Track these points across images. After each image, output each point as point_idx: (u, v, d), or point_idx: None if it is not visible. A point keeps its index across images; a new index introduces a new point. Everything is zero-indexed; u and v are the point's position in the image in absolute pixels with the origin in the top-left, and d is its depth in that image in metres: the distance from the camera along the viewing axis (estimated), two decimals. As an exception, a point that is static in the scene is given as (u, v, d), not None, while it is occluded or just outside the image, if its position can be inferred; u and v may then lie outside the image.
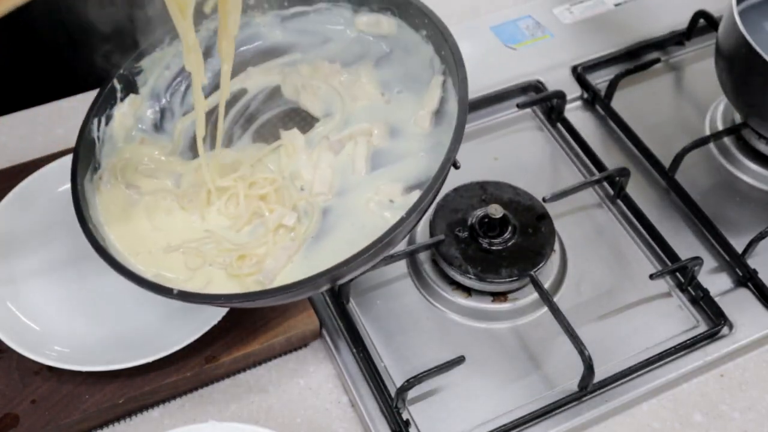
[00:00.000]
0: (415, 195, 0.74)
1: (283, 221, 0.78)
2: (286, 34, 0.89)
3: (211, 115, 0.86)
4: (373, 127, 0.82)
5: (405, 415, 0.80)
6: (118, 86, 0.85)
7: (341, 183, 0.81)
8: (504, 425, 0.79)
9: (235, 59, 0.83)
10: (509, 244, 0.88)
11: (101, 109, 0.84)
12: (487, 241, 0.88)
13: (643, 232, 0.95)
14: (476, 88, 1.04)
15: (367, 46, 0.86)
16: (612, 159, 1.02)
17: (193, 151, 0.85)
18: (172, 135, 0.87)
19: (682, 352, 0.85)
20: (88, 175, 0.82)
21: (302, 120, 0.86)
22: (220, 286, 0.77)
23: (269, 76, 0.88)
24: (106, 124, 0.85)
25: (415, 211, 0.70)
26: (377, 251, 0.70)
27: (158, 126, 0.87)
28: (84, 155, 0.82)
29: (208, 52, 0.88)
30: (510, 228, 0.89)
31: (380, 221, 0.76)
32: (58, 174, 0.93)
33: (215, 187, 0.82)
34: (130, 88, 0.86)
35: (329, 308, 0.87)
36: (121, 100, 0.86)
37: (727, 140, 1.03)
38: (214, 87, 0.87)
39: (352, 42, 0.86)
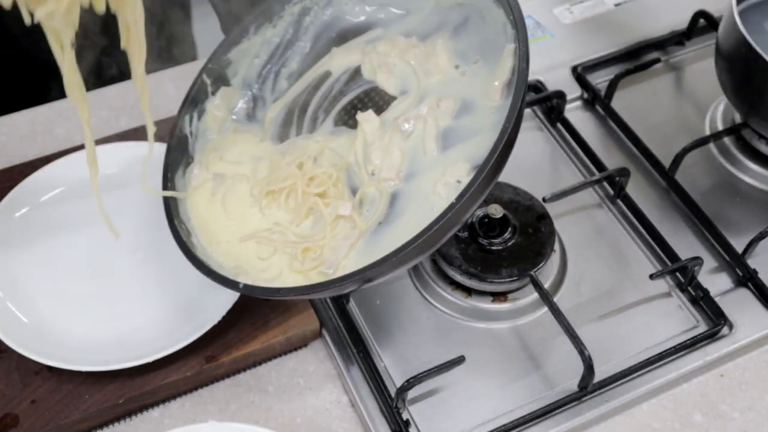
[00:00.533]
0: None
1: (338, 212, 0.77)
2: (368, 10, 0.87)
3: (298, 100, 0.86)
4: (441, 102, 0.79)
5: (405, 415, 0.80)
6: (207, 80, 0.86)
7: (412, 166, 0.78)
8: (504, 425, 0.79)
9: (321, 41, 0.85)
10: (509, 244, 0.88)
11: (192, 104, 0.85)
12: (487, 241, 0.88)
13: (643, 232, 0.95)
14: (476, 88, 1.04)
15: (445, 15, 0.83)
16: (612, 159, 1.02)
17: (281, 138, 0.86)
18: (263, 123, 0.87)
19: (682, 352, 0.85)
20: (180, 171, 0.83)
21: (381, 99, 0.84)
22: (289, 279, 0.76)
23: (351, 56, 0.86)
24: (199, 119, 0.86)
25: (465, 196, 0.67)
26: (434, 235, 0.68)
27: (251, 115, 0.87)
28: (176, 152, 0.83)
29: (295, 38, 0.88)
30: (510, 228, 0.89)
31: (446, 204, 0.70)
32: (59, 174, 0.93)
33: (277, 187, 0.81)
34: (221, 80, 0.87)
35: (329, 308, 0.87)
36: (213, 93, 0.86)
37: (727, 140, 1.03)
38: (300, 73, 0.87)
39: (431, 12, 0.84)
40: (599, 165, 1.00)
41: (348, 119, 0.84)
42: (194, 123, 0.86)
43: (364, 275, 0.69)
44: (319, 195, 0.80)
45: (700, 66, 1.12)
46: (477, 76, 0.80)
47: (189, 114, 0.85)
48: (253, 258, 0.79)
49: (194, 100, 0.86)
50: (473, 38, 0.81)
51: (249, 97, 0.88)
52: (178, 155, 0.84)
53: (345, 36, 0.87)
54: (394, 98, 0.83)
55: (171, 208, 0.81)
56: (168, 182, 0.82)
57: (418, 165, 0.78)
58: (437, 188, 0.75)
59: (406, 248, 0.68)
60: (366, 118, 0.82)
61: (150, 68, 1.07)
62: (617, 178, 0.96)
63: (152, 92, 1.09)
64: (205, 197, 0.83)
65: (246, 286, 0.74)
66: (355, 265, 0.72)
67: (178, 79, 1.10)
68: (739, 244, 0.92)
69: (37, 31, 0.69)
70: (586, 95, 1.08)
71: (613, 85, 1.05)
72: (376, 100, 0.84)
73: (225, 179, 0.83)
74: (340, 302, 0.87)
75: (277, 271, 0.77)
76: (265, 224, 0.81)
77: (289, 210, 0.81)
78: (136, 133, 0.99)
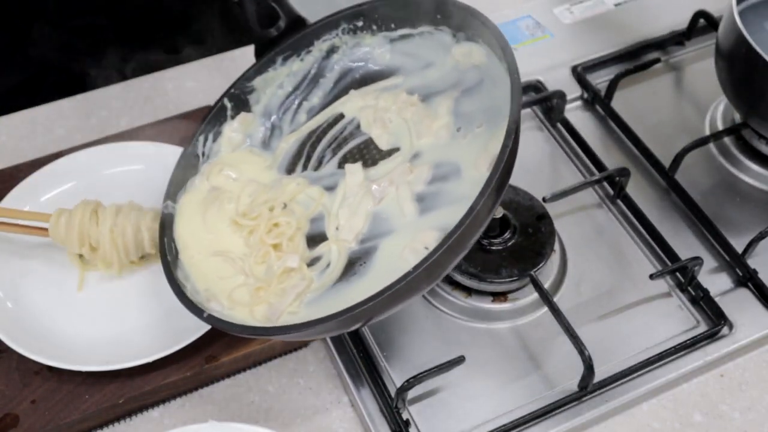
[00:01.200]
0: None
1: (287, 264, 0.78)
2: (393, 56, 0.87)
3: (311, 136, 0.87)
4: (415, 168, 0.80)
5: (405, 415, 0.80)
6: (228, 104, 0.87)
7: (386, 225, 0.78)
8: (504, 425, 0.79)
9: (344, 80, 0.86)
10: (509, 244, 0.88)
11: (210, 125, 0.86)
12: (487, 241, 0.88)
13: (643, 232, 0.95)
14: (476, 88, 1.04)
15: (462, 74, 0.83)
16: (612, 159, 1.02)
17: (288, 170, 0.86)
18: (275, 152, 0.87)
19: (682, 352, 0.85)
20: (183, 188, 0.84)
21: (379, 153, 0.84)
22: (244, 311, 0.77)
23: (365, 101, 0.87)
24: (214, 140, 0.86)
25: (420, 268, 0.65)
26: (379, 304, 0.66)
27: (266, 143, 0.88)
28: (184, 169, 0.84)
29: (319, 74, 0.88)
30: (510, 228, 0.89)
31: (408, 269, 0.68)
32: (59, 174, 0.93)
33: (243, 222, 0.82)
34: (242, 106, 0.87)
35: (329, 308, 0.87)
36: (232, 117, 0.87)
37: (727, 140, 1.03)
38: (320, 108, 0.88)
39: (451, 69, 0.84)
40: (599, 165, 1.00)
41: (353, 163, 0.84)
42: (208, 144, 0.86)
43: (301, 331, 0.69)
44: (274, 246, 0.80)
45: (700, 66, 1.12)
46: (476, 141, 0.79)
47: (205, 134, 0.86)
48: (218, 278, 0.79)
49: (212, 122, 0.86)
50: (483, 102, 0.81)
51: (267, 125, 0.88)
52: (185, 172, 0.85)
53: (366, 79, 0.88)
54: (389, 153, 0.83)
55: (165, 225, 0.82)
56: (169, 197, 0.83)
57: (394, 225, 0.78)
58: (404, 253, 0.74)
59: (343, 314, 0.67)
60: (352, 170, 0.82)
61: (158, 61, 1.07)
62: (617, 178, 0.96)
63: (152, 92, 1.10)
64: (192, 207, 0.83)
65: (210, 316, 0.73)
66: (302, 317, 0.72)
67: (177, 80, 1.10)
68: (739, 244, 0.92)
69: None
70: (586, 95, 1.08)
71: (613, 85, 1.05)
72: (374, 153, 0.84)
73: (218, 193, 0.84)
74: (340, 302, 0.87)
75: (239, 298, 0.78)
76: (237, 249, 0.81)
77: (250, 247, 0.81)
78: (137, 133, 0.99)
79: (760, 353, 0.88)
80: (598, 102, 1.07)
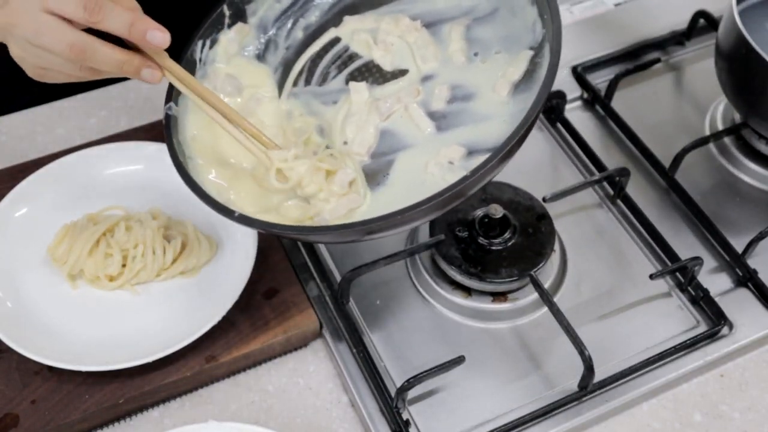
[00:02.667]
0: (478, 159, 0.72)
1: (348, 179, 0.78)
2: None
3: (312, 60, 0.87)
4: (421, 90, 0.81)
5: (405, 415, 0.80)
6: (227, 12, 0.85)
7: (398, 142, 0.80)
8: (504, 425, 0.79)
9: (342, 2, 0.87)
10: (509, 244, 0.88)
11: (207, 32, 0.85)
12: (487, 241, 0.88)
13: (643, 232, 0.95)
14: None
15: (475, 2, 0.84)
16: (612, 159, 1.02)
17: (281, 85, 0.87)
18: (272, 65, 0.87)
19: (682, 352, 0.85)
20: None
21: (386, 74, 0.85)
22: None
23: (364, 25, 0.87)
24: (210, 47, 0.85)
25: (478, 173, 0.68)
26: (441, 202, 0.69)
27: (261, 56, 0.88)
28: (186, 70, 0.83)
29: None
30: (510, 228, 0.89)
31: (441, 182, 0.74)
32: (59, 174, 0.93)
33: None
34: (239, 16, 0.86)
35: (329, 308, 0.87)
36: (229, 26, 0.86)
37: (727, 140, 1.03)
38: (314, 27, 0.88)
39: None
40: (599, 165, 1.00)
41: (361, 80, 0.85)
42: (205, 50, 0.85)
43: (367, 227, 0.71)
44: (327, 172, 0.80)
45: (700, 66, 1.12)
46: (494, 66, 0.81)
47: (203, 40, 0.85)
48: (250, 191, 0.79)
49: (210, 28, 0.85)
50: (498, 31, 0.82)
51: (263, 38, 0.88)
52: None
53: (365, 3, 0.88)
54: (395, 75, 0.84)
55: (171, 127, 0.80)
56: (172, 99, 0.81)
57: (410, 140, 0.79)
58: (429, 167, 0.76)
59: (412, 209, 0.68)
60: (357, 88, 0.83)
61: None
62: (617, 178, 0.96)
63: (152, 92, 1.09)
64: (203, 119, 0.82)
65: (241, 215, 0.73)
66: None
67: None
68: (739, 244, 0.92)
69: None
70: (586, 95, 1.08)
71: (613, 85, 1.05)
72: (381, 73, 0.85)
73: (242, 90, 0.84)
74: (340, 302, 0.87)
75: (287, 213, 0.78)
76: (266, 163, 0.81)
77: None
78: (136, 133, 0.99)
79: (760, 353, 0.88)
80: (598, 102, 1.07)
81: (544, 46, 0.78)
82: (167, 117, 0.80)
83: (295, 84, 0.86)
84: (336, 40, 0.87)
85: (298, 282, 0.88)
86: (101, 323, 0.84)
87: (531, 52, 0.79)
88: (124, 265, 0.87)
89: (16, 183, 0.92)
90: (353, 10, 0.88)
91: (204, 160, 0.81)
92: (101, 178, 0.94)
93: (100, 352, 0.81)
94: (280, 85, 0.87)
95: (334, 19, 0.88)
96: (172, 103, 0.81)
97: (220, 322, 0.82)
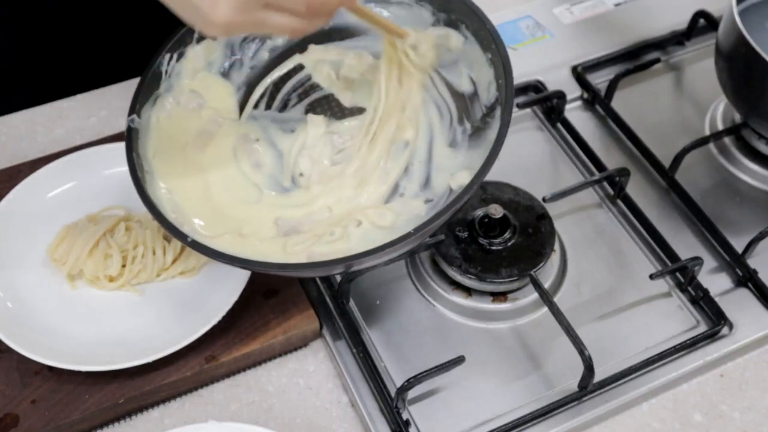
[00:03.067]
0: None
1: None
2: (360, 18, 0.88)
3: (275, 85, 0.89)
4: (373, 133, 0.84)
5: (405, 415, 0.80)
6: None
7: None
8: (504, 425, 0.79)
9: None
10: (509, 244, 0.88)
11: (175, 45, 0.85)
12: (487, 241, 0.88)
13: (643, 232, 0.95)
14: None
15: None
16: (612, 159, 1.02)
17: (242, 105, 0.88)
18: (235, 83, 0.88)
19: (682, 352, 0.85)
20: (149, 104, 0.84)
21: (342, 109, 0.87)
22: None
23: (327, 55, 0.88)
24: (177, 60, 0.86)
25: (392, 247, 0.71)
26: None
27: (225, 74, 0.88)
28: (148, 85, 0.84)
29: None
30: (510, 228, 0.89)
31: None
32: (59, 174, 0.93)
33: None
34: None
35: (329, 308, 0.87)
36: (197, 41, 0.86)
37: (727, 140, 1.03)
38: (280, 50, 0.89)
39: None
40: (599, 165, 1.00)
41: (320, 112, 0.87)
42: (172, 63, 0.85)
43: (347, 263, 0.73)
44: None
45: (700, 66, 1.12)
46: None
47: (171, 53, 0.85)
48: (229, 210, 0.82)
49: (178, 42, 0.85)
50: (455, 81, 0.85)
51: (229, 55, 0.89)
52: (149, 89, 0.84)
53: (332, 33, 0.88)
54: (361, 110, 0.86)
55: (132, 139, 0.81)
56: (135, 112, 0.82)
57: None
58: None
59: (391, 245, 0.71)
60: (315, 121, 0.86)
61: None
62: (617, 178, 0.96)
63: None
64: (176, 137, 0.84)
65: (193, 241, 0.74)
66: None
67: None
68: (739, 244, 0.92)
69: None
70: (586, 95, 1.08)
71: (613, 85, 1.05)
72: (342, 108, 0.87)
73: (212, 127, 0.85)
74: (340, 302, 0.87)
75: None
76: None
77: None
78: (136, 133, 0.99)
79: (760, 353, 0.88)
80: (598, 102, 1.07)
81: (495, 108, 0.80)
82: (129, 129, 0.81)
83: (255, 106, 0.88)
84: (299, 67, 0.88)
85: (298, 282, 0.88)
86: (101, 323, 0.84)
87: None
88: (123, 266, 0.87)
89: (16, 183, 0.92)
90: (319, 38, 0.88)
91: (163, 179, 0.82)
92: (101, 178, 0.94)
93: (100, 352, 0.81)
94: (241, 105, 0.88)
95: (300, 44, 0.88)
96: (135, 116, 0.82)
97: (220, 322, 0.82)
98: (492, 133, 0.77)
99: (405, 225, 0.77)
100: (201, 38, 0.86)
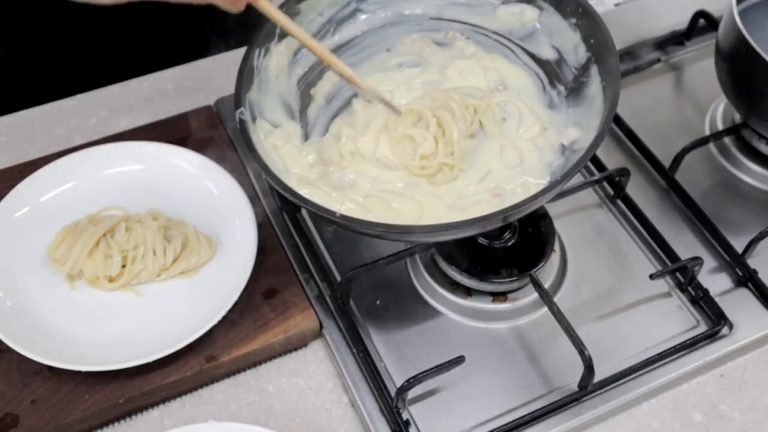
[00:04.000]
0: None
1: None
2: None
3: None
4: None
5: (405, 415, 0.80)
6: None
7: None
8: (504, 425, 0.79)
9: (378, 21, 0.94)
10: (509, 244, 0.88)
11: (263, 41, 0.87)
12: (486, 241, 0.88)
13: (643, 232, 0.95)
14: (476, 88, 1.04)
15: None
16: (612, 159, 1.02)
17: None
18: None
19: (682, 352, 0.85)
20: (250, 91, 0.85)
21: None
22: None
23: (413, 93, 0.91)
24: (264, 55, 0.87)
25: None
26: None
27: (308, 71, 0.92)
28: (246, 77, 0.85)
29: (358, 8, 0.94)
30: (510, 228, 0.89)
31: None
32: (59, 174, 0.93)
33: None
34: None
35: (329, 308, 0.87)
36: (279, 39, 0.88)
37: (727, 140, 1.03)
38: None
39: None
40: (599, 165, 1.00)
41: None
42: (260, 58, 0.87)
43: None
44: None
45: (700, 66, 1.12)
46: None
47: (259, 48, 0.87)
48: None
49: (264, 39, 0.87)
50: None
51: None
52: (247, 80, 0.85)
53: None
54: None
55: (243, 132, 0.81)
56: (240, 102, 0.83)
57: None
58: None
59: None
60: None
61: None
62: (617, 178, 0.96)
63: (152, 92, 1.10)
64: None
65: (342, 216, 0.75)
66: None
67: (177, 80, 1.10)
68: (739, 244, 0.92)
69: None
70: (586, 95, 1.08)
71: (613, 85, 1.05)
72: None
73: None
74: (340, 302, 0.87)
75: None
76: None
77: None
78: (137, 133, 0.99)
79: (760, 353, 0.88)
80: (598, 102, 1.07)
81: (588, 67, 0.85)
82: (241, 122, 0.82)
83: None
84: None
85: (298, 282, 0.88)
86: (101, 323, 0.84)
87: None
88: (123, 266, 0.87)
89: (16, 183, 0.92)
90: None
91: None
92: (101, 178, 0.94)
93: (100, 352, 0.81)
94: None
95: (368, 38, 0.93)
96: (242, 108, 0.83)
97: (220, 322, 0.82)
98: (591, 90, 0.85)
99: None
100: (282, 36, 0.88)
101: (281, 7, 0.87)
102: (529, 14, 0.90)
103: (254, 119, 0.85)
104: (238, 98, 0.83)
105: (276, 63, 0.89)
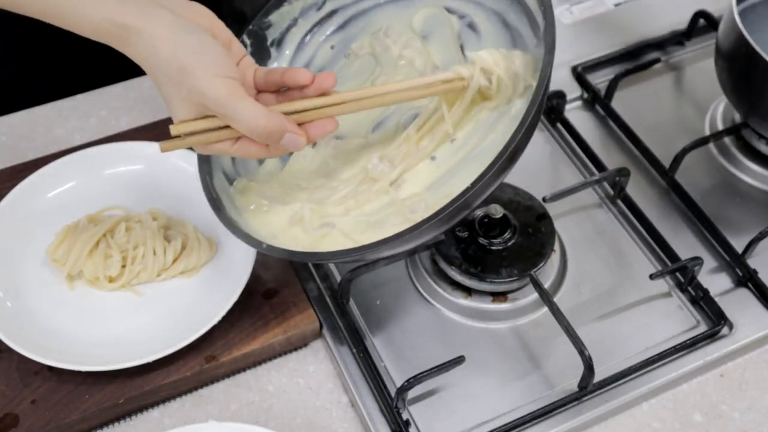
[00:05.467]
0: None
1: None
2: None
3: None
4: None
5: (405, 415, 0.80)
6: (247, 41, 0.86)
7: None
8: (504, 425, 0.79)
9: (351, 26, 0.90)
10: (509, 244, 0.88)
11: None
12: (487, 241, 0.88)
13: (643, 232, 0.95)
14: (476, 88, 1.04)
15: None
16: (612, 159, 1.02)
17: None
18: None
19: (682, 352, 0.85)
20: None
21: None
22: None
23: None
24: None
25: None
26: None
27: None
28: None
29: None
30: (510, 228, 0.89)
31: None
32: (59, 174, 0.93)
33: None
34: (261, 42, 0.87)
35: (329, 308, 0.87)
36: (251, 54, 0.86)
37: (727, 140, 1.03)
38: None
39: None
40: (599, 165, 1.00)
41: None
42: None
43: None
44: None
45: (700, 66, 1.12)
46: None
47: None
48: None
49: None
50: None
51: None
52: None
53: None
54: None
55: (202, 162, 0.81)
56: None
57: None
58: None
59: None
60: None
61: None
62: (617, 178, 0.96)
63: (152, 92, 1.09)
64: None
65: (269, 246, 0.75)
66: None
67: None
68: (739, 244, 0.92)
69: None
70: (586, 95, 1.08)
71: (613, 85, 1.05)
72: None
73: None
74: (340, 302, 0.87)
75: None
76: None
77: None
78: (137, 133, 0.99)
79: (760, 353, 0.88)
80: (598, 102, 1.07)
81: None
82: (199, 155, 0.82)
83: None
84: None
85: (298, 282, 0.88)
86: (101, 323, 0.84)
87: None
88: (123, 266, 0.87)
89: (16, 183, 0.92)
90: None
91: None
92: (101, 178, 0.94)
93: (100, 352, 0.81)
94: None
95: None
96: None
97: (220, 322, 0.82)
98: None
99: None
100: (254, 51, 0.86)
101: (250, 25, 0.86)
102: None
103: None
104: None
105: None
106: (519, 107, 0.78)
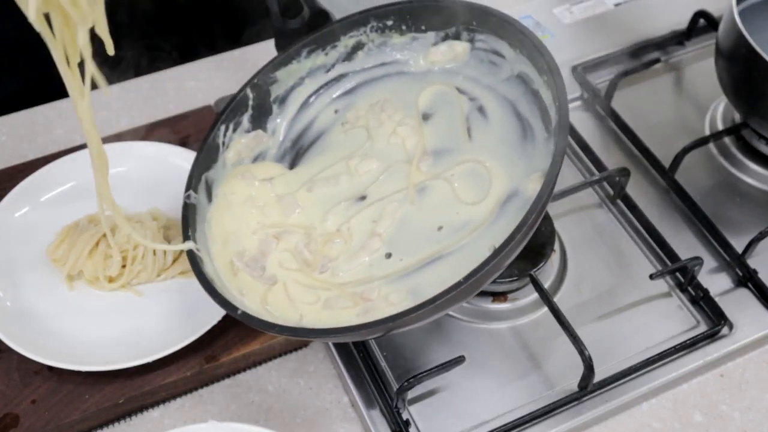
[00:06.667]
0: None
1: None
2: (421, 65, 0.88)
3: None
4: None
5: (405, 415, 0.80)
6: (250, 95, 0.85)
7: None
8: (504, 425, 0.79)
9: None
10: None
11: (231, 115, 0.84)
12: (487, 241, 0.88)
13: (643, 232, 0.95)
14: (476, 88, 1.04)
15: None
16: (612, 159, 1.02)
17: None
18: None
19: (682, 352, 0.85)
20: (204, 176, 0.82)
21: None
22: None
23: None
24: (234, 130, 0.84)
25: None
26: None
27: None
28: (205, 158, 0.82)
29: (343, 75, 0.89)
30: (510, 228, 0.89)
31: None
32: (59, 174, 0.94)
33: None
34: (264, 96, 0.86)
35: (329, 308, 0.87)
36: (252, 108, 0.86)
37: (727, 140, 1.03)
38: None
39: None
40: (599, 165, 1.00)
41: None
42: (228, 133, 0.84)
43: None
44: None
45: (700, 66, 1.12)
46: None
47: (226, 124, 0.84)
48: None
49: (233, 112, 0.84)
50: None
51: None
52: (206, 161, 0.82)
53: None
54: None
55: (189, 216, 0.79)
56: (191, 188, 0.80)
57: None
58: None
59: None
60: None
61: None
62: (617, 178, 0.96)
63: (152, 92, 1.10)
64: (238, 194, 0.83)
65: (244, 313, 0.71)
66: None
67: (177, 80, 1.10)
68: (739, 244, 0.92)
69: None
70: (586, 95, 1.08)
71: (613, 85, 1.05)
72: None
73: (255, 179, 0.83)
74: (340, 302, 0.87)
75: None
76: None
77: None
78: (137, 133, 0.99)
79: (760, 353, 0.88)
80: (598, 102, 1.07)
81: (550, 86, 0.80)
82: (186, 205, 0.79)
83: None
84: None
85: (298, 282, 0.88)
86: (101, 323, 0.84)
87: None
88: (123, 266, 0.87)
89: (16, 183, 0.92)
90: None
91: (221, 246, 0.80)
92: (101, 178, 0.94)
93: (100, 352, 0.81)
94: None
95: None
96: (191, 191, 0.80)
97: (220, 322, 0.82)
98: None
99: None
100: (255, 104, 0.85)
101: (254, 78, 0.84)
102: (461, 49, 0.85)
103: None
104: (189, 182, 0.80)
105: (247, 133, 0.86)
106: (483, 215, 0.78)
